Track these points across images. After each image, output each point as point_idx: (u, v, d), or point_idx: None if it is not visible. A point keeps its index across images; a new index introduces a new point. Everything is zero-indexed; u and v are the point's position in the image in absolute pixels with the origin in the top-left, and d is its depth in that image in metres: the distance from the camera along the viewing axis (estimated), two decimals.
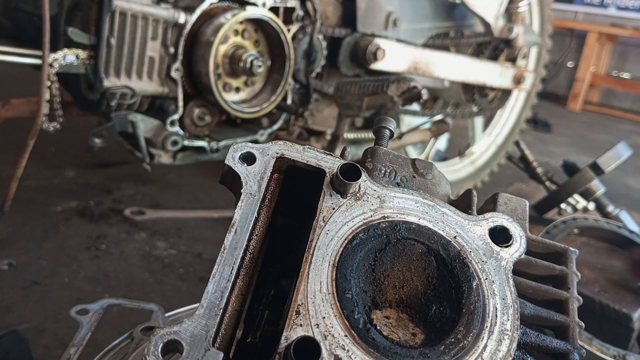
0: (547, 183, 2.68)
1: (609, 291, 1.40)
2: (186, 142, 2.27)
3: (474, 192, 0.63)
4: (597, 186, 2.27)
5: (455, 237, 0.53)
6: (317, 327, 0.45)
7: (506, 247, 0.53)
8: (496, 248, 0.53)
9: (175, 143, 2.22)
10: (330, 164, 0.56)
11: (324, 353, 0.44)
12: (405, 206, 0.54)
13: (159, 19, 2.07)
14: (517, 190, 3.33)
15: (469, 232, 0.54)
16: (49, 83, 1.89)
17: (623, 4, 7.54)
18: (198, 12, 2.12)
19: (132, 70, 2.08)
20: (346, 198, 0.54)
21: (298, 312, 0.46)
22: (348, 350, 0.44)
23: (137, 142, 2.16)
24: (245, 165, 0.55)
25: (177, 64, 2.14)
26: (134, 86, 2.09)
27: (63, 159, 3.10)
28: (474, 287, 0.50)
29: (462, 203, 0.62)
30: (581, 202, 2.34)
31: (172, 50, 2.13)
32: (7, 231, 2.27)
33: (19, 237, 2.27)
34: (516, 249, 0.53)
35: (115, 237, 2.36)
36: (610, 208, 2.30)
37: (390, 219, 0.53)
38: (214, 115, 2.37)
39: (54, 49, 1.90)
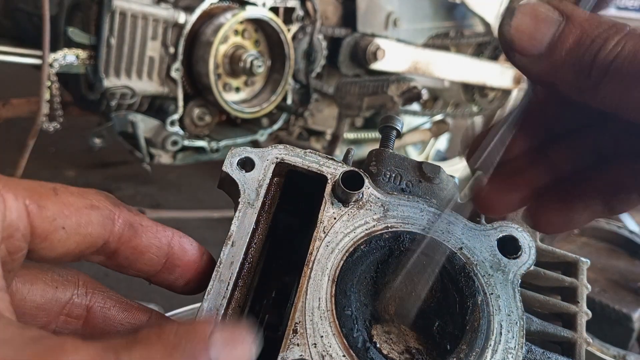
0: None
1: (609, 291, 1.39)
2: (186, 142, 2.27)
3: None
4: None
5: (461, 249, 0.51)
6: (315, 347, 0.44)
7: (514, 258, 0.51)
8: (504, 260, 0.51)
9: (175, 143, 2.22)
10: (333, 169, 0.53)
11: None
12: (410, 215, 0.52)
13: (159, 19, 2.07)
14: None
15: (475, 243, 0.51)
16: (49, 83, 1.89)
17: (623, 4, 7.55)
18: (198, 12, 2.12)
19: (132, 70, 2.08)
20: (348, 207, 0.51)
21: (295, 331, 0.44)
22: None
23: (137, 142, 2.16)
24: (244, 171, 0.52)
25: (177, 64, 2.14)
26: (134, 86, 2.09)
27: (63, 159, 3.10)
28: (479, 302, 0.48)
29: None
30: None
31: (172, 50, 2.12)
32: None
33: None
34: (525, 261, 0.51)
35: None
36: None
37: (393, 229, 0.51)
38: (214, 115, 2.37)
39: (54, 49, 1.90)
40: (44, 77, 1.85)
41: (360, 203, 0.52)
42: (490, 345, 0.46)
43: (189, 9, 2.12)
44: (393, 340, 0.47)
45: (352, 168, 0.53)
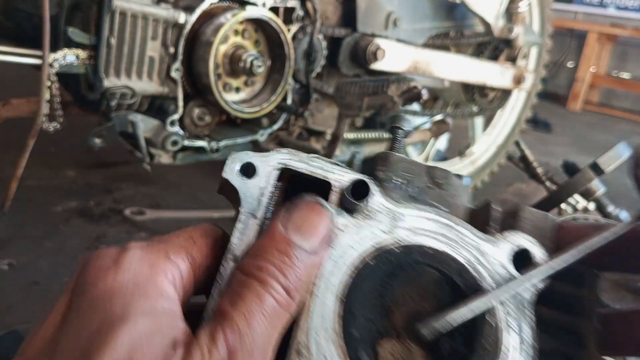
0: (547, 183, 2.68)
1: (609, 291, 1.39)
2: (186, 142, 2.27)
3: (494, 207, 0.55)
4: (598, 186, 2.27)
5: (472, 262, 0.49)
6: None
7: None
8: (517, 274, 0.48)
9: (175, 143, 2.22)
10: (339, 176, 0.50)
11: None
12: (419, 226, 0.49)
13: (159, 19, 2.07)
14: (517, 190, 3.33)
15: (487, 256, 0.49)
16: (49, 83, 1.89)
17: (622, 4, 7.55)
18: (198, 12, 2.12)
19: (132, 70, 2.08)
20: (355, 217, 0.49)
21: (298, 352, 0.43)
22: None
23: (137, 142, 2.16)
24: (245, 178, 0.49)
25: (177, 64, 2.14)
26: (134, 86, 2.09)
27: (63, 159, 3.10)
28: (489, 320, 0.46)
29: (481, 216, 0.56)
30: (581, 202, 2.34)
31: (172, 50, 2.12)
32: (7, 231, 2.26)
33: (19, 237, 2.26)
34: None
35: (115, 237, 2.36)
36: (611, 208, 2.29)
37: (402, 241, 0.49)
38: (214, 115, 2.37)
39: (54, 49, 1.90)
40: (44, 77, 1.85)
41: (368, 213, 0.49)
42: None
43: (189, 9, 2.12)
44: (400, 359, 0.46)
45: (358, 176, 0.50)
